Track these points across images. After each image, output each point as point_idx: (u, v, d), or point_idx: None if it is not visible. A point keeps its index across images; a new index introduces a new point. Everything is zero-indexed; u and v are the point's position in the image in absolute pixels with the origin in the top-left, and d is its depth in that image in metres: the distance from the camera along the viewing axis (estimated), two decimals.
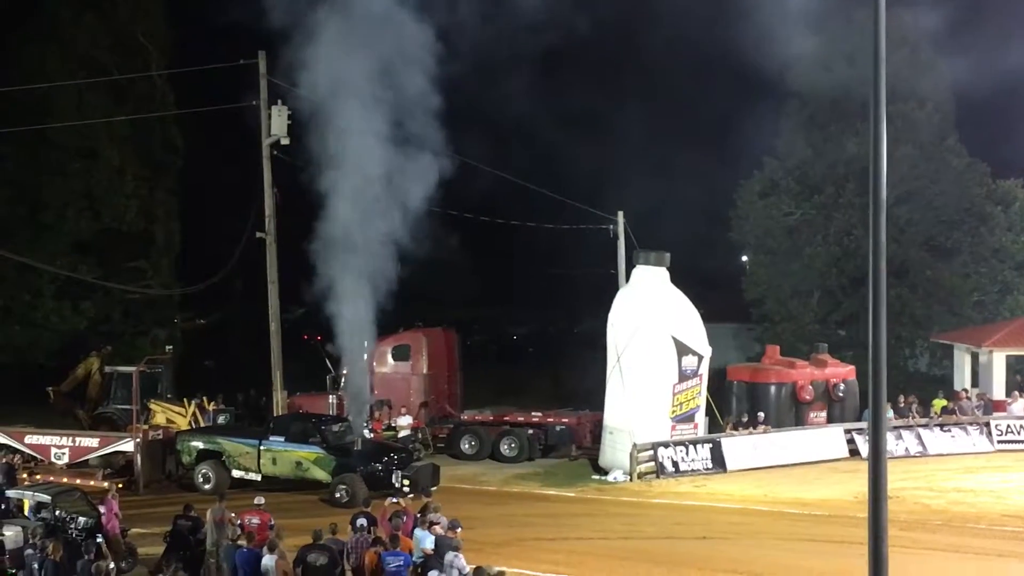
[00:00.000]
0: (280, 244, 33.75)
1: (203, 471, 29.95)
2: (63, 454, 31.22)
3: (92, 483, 28.98)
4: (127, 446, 30.79)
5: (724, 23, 37.18)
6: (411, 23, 29.58)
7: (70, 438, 31.59)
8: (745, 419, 34.61)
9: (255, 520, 20.62)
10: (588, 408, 35.59)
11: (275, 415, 32.70)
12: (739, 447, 33.18)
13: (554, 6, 31.35)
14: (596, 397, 33.83)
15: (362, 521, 19.86)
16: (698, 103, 52.37)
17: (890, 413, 34.43)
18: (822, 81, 42.29)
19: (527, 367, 52.83)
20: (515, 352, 61.22)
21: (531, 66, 32.78)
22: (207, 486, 29.43)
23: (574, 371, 41.18)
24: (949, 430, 35.74)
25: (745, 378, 36.51)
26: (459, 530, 19.22)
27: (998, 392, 37.77)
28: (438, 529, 19.03)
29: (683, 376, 32.48)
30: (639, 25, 34.89)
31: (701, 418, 33.58)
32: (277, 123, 32.60)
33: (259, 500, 21.47)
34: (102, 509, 21.88)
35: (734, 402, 36.09)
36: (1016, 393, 37.57)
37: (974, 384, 38.96)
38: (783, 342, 41.34)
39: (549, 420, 35.60)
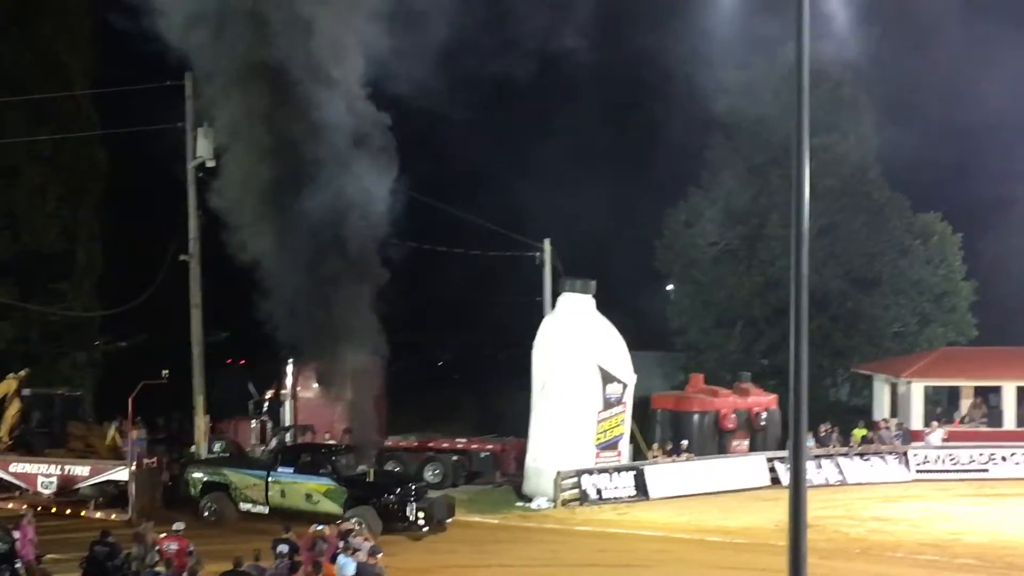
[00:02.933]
0: (204, 266, 33.33)
1: (208, 504, 28.63)
2: (51, 483, 29.91)
3: (11, 506, 28.31)
4: (121, 475, 29.31)
5: (653, 53, 37.47)
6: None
7: (58, 466, 30.19)
8: (669, 447, 34.78)
9: (173, 546, 20.27)
10: (513, 435, 35.55)
11: (283, 444, 31.91)
12: (662, 475, 33.36)
13: (481, 34, 31.32)
14: (521, 424, 33.79)
15: (283, 548, 19.62)
16: (627, 132, 52.65)
17: (811, 442, 34.81)
18: (748, 113, 42.79)
19: (453, 393, 52.58)
20: (442, 378, 60.95)
21: (460, 94, 32.72)
22: (212, 519, 28.24)
23: (500, 398, 41.13)
24: (868, 459, 36.25)
25: (669, 406, 36.71)
26: (380, 556, 19.08)
27: (916, 422, 38.32)
28: (360, 555, 18.85)
29: (607, 404, 32.60)
30: (568, 54, 34.97)
31: (625, 446, 33.72)
32: (203, 145, 32.12)
33: (178, 526, 21.06)
34: (16, 535, 21.34)
35: (658, 430, 36.26)
36: (934, 423, 38.15)
37: (893, 414, 39.47)
38: (707, 371, 41.57)
39: (473, 447, 35.49)
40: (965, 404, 40.93)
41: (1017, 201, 48.60)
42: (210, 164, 32.06)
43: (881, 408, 40.39)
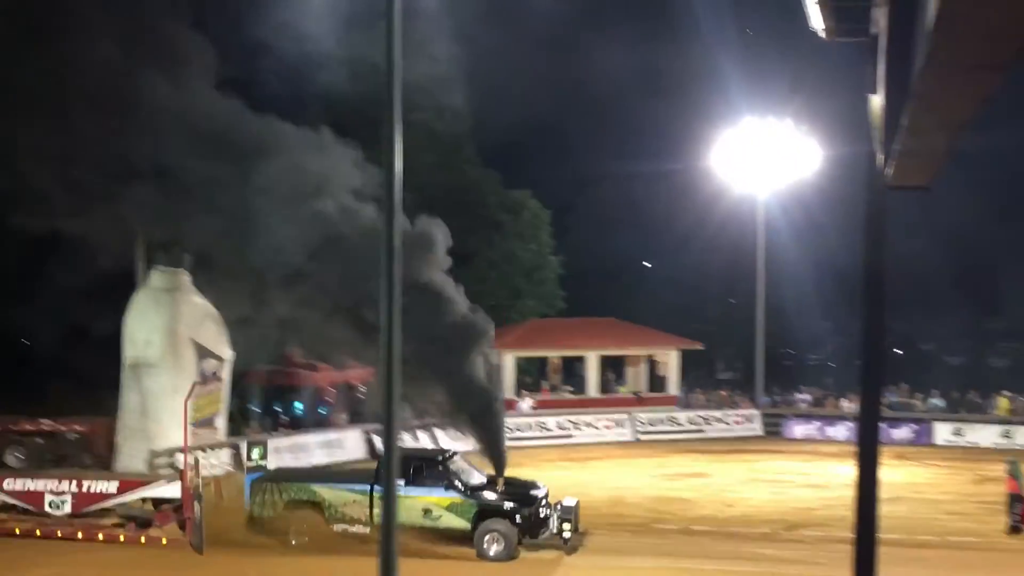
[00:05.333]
0: None
1: (296, 526, 23.78)
2: (63, 502, 24.35)
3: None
4: (168, 490, 24.00)
5: (246, 24, 36.62)
6: None
7: (73, 482, 24.59)
8: (268, 422, 34.51)
9: None
10: (105, 414, 34.01)
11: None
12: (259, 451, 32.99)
13: None
14: (113, 403, 32.38)
15: None
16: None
17: (410, 413, 35.43)
18: (346, 89, 42.81)
19: (43, 373, 49.79)
20: (28, 358, 57.59)
21: None
22: (296, 541, 23.60)
23: (90, 376, 39.23)
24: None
25: (268, 381, 36.38)
26: None
27: (508, 392, 39.88)
28: None
29: (204, 380, 31.82)
30: None
31: (222, 422, 33.07)
32: None
33: None
34: None
35: (258, 405, 35.86)
36: (524, 392, 39.86)
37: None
38: (307, 345, 41.42)
39: (61, 428, 33.65)
40: (554, 376, 43.14)
41: (601, 180, 51.55)
42: None
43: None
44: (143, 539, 23.48)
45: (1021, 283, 55.82)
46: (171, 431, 31.12)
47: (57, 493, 24.21)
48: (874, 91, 7.82)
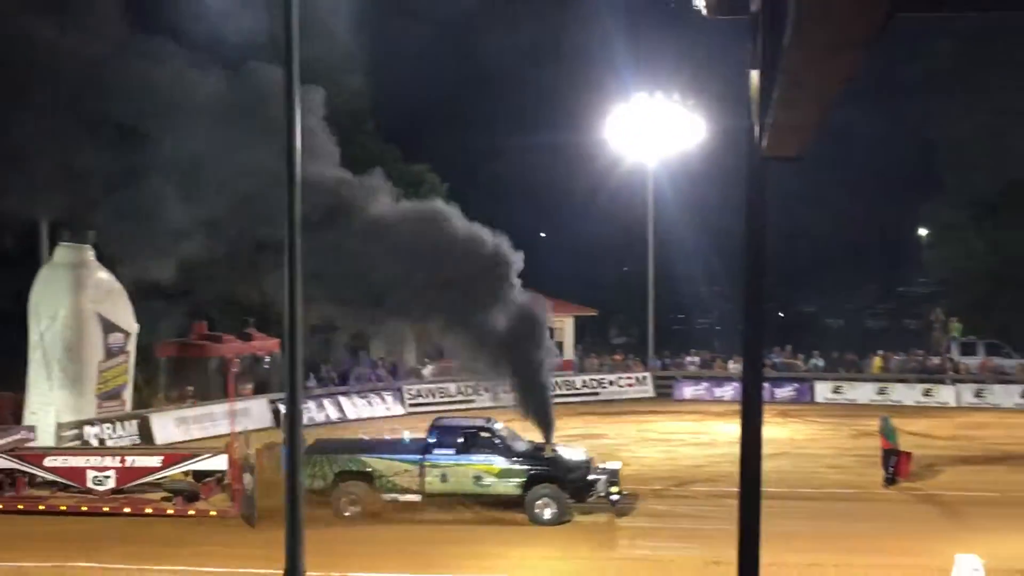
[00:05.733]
0: None
1: (347, 496, 23.47)
2: (106, 478, 23.60)
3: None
4: (213, 463, 23.59)
5: None
6: None
7: (116, 457, 24.08)
8: (175, 393, 34.12)
9: None
10: (9, 390, 33.26)
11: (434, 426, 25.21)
12: (168, 422, 32.66)
13: None
14: (18, 377, 31.67)
15: None
16: None
17: (313, 382, 35.37)
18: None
19: None
20: None
21: None
22: (350, 512, 23.32)
23: None
24: (367, 396, 37.32)
25: (174, 353, 35.92)
26: None
27: (411, 360, 39.97)
28: None
29: (109, 353, 31.35)
30: None
31: (129, 395, 32.62)
32: None
33: None
34: None
35: (163, 377, 35.43)
36: (426, 360, 39.92)
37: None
38: (211, 318, 40.97)
39: None
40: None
41: (498, 153, 51.61)
42: None
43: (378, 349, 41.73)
44: (192, 512, 23.05)
45: (896, 252, 57.34)
46: (78, 404, 30.66)
47: (100, 469, 23.57)
48: (753, 67, 7.94)
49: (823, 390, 43.35)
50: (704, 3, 8.63)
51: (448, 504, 23.31)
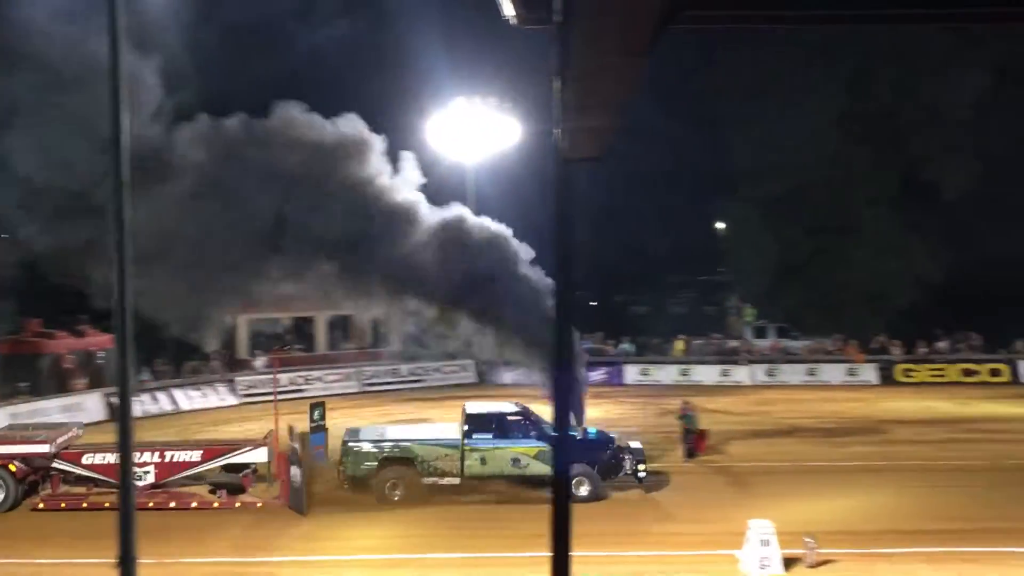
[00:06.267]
0: None
1: (392, 481, 23.48)
2: (145, 473, 22.61)
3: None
4: (253, 456, 23.56)
5: None
6: None
7: (155, 452, 23.13)
8: (8, 390, 32.94)
9: None
10: None
11: (467, 413, 25.00)
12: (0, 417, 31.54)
13: None
14: None
15: None
16: None
17: (148, 375, 34.58)
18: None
19: None
20: None
21: None
22: (396, 496, 23.42)
23: None
24: (199, 388, 36.65)
25: (7, 351, 34.69)
26: None
27: (243, 352, 39.38)
28: None
29: None
30: None
31: None
32: None
33: None
34: None
35: None
36: (257, 352, 39.39)
37: (226, 347, 40.19)
38: (42, 315, 39.62)
39: None
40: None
41: None
42: None
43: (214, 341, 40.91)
44: (238, 504, 22.78)
45: (697, 244, 59.11)
46: None
47: (138, 465, 22.32)
48: (554, 75, 8.20)
49: (632, 373, 44.58)
50: (512, 13, 8.84)
51: (488, 486, 23.92)
